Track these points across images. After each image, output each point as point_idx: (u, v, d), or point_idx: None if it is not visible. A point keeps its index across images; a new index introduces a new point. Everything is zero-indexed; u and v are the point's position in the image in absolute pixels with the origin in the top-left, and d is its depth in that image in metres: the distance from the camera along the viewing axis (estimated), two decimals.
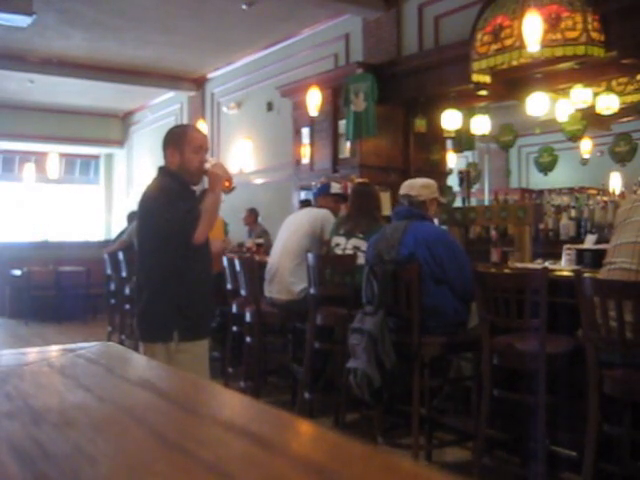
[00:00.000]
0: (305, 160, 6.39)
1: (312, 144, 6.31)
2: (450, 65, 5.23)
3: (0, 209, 12.01)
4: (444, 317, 3.26)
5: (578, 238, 5.40)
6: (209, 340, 2.88)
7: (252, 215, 7.08)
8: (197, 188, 2.89)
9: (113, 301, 6.88)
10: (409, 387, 3.21)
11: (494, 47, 4.53)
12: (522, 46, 4.21)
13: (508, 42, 4.43)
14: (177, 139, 2.80)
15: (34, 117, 11.04)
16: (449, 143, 6.51)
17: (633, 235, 2.56)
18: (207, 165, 2.79)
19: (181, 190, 2.75)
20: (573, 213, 6.20)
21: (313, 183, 5.99)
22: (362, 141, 5.70)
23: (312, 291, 3.87)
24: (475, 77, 4.84)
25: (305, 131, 6.39)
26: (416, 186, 3.45)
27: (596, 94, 5.32)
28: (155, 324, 2.71)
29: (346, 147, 5.92)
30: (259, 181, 7.78)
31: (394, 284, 3.36)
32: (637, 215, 2.61)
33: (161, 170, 2.84)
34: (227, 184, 2.81)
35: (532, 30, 4.03)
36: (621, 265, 2.56)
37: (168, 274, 2.69)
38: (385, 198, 5.42)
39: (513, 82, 5.19)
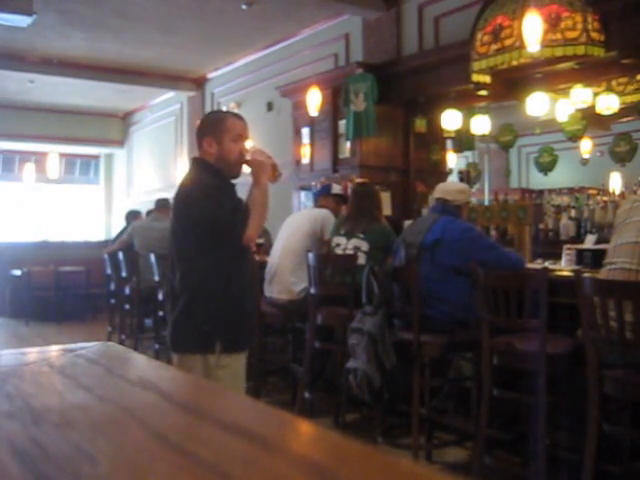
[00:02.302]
0: (305, 160, 6.39)
1: (312, 144, 6.31)
2: (450, 65, 5.22)
3: (0, 209, 12.02)
4: (452, 307, 3.27)
5: (578, 238, 5.41)
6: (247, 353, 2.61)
7: None
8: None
9: (113, 301, 6.88)
10: (409, 387, 3.21)
11: (494, 47, 4.53)
12: (522, 46, 4.20)
13: (508, 42, 4.42)
14: (215, 127, 2.52)
15: (34, 117, 11.03)
16: (449, 143, 6.50)
17: (633, 235, 2.56)
18: (251, 150, 2.53)
19: (221, 185, 2.49)
20: (573, 213, 6.21)
21: (313, 183, 5.99)
22: (362, 141, 5.70)
23: (312, 291, 3.87)
24: (475, 77, 4.84)
25: (305, 131, 6.39)
26: (452, 191, 3.53)
27: (596, 94, 5.32)
28: (194, 333, 2.42)
29: (346, 147, 5.92)
30: None
31: (394, 283, 3.38)
32: (637, 215, 2.61)
33: (196, 162, 2.58)
34: (273, 171, 2.57)
35: (532, 30, 4.02)
36: (622, 265, 2.56)
37: (212, 278, 2.42)
38: (385, 198, 5.42)
39: (513, 82, 5.19)
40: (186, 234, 2.48)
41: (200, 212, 2.42)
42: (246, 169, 2.58)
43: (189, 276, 2.46)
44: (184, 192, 2.53)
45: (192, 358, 2.42)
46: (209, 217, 2.40)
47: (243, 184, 2.63)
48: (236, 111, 8.57)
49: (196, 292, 2.44)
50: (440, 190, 3.58)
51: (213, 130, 2.51)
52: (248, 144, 2.65)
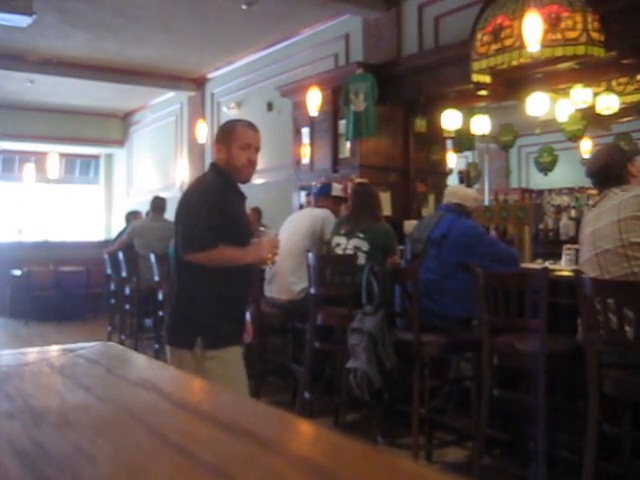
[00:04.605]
0: (305, 160, 6.39)
1: (312, 144, 6.31)
2: (450, 65, 5.22)
3: (0, 209, 12.01)
4: (456, 301, 3.28)
5: (578, 238, 5.40)
6: (242, 347, 2.70)
7: (255, 214, 7.07)
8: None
9: (113, 301, 6.88)
10: (409, 387, 3.21)
11: (494, 47, 4.53)
12: (522, 46, 4.20)
13: (508, 42, 4.42)
14: (225, 134, 2.68)
15: (34, 117, 11.03)
16: (449, 143, 6.50)
17: (591, 249, 2.72)
18: (267, 234, 2.72)
19: (224, 192, 2.60)
20: (573, 213, 6.22)
21: (313, 183, 5.99)
22: (362, 141, 5.70)
23: (312, 291, 3.87)
24: (475, 77, 4.84)
25: (305, 131, 6.39)
26: (469, 198, 3.63)
27: (596, 94, 5.32)
28: (180, 328, 2.60)
29: (346, 147, 5.92)
30: (259, 181, 7.78)
31: (394, 283, 3.38)
32: (586, 229, 2.81)
33: (210, 166, 2.74)
34: (262, 262, 2.75)
35: (532, 30, 4.02)
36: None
37: (198, 278, 2.55)
38: (385, 198, 5.42)
39: (513, 82, 5.19)
40: (178, 233, 2.62)
41: (187, 215, 2.58)
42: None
43: (182, 274, 2.61)
44: (186, 193, 2.69)
45: (181, 351, 2.55)
46: (190, 219, 2.55)
47: (248, 186, 2.72)
48: (236, 111, 8.59)
49: (184, 291, 2.60)
50: (458, 195, 3.63)
51: (224, 137, 2.67)
52: (274, 233, 2.84)
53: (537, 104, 5.16)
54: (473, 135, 6.27)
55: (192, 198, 2.61)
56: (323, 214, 4.38)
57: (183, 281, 2.60)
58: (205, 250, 2.49)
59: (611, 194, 2.73)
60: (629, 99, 5.74)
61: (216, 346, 2.53)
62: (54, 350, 1.10)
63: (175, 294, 2.64)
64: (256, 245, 2.69)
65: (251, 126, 2.69)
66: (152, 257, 5.56)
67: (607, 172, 2.79)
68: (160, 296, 5.49)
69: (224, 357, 2.55)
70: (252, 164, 2.64)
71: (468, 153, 7.84)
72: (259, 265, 2.81)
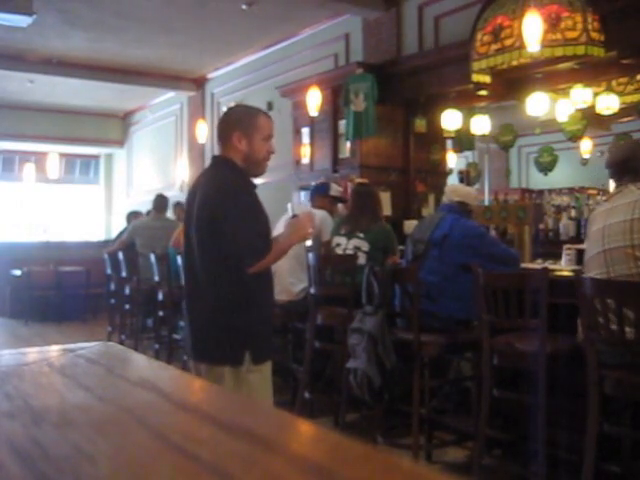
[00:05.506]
0: (305, 160, 6.39)
1: (312, 144, 6.31)
2: (450, 65, 5.22)
3: (0, 209, 12.01)
4: (456, 303, 3.29)
5: (578, 238, 5.41)
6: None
7: None
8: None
9: (113, 301, 6.88)
10: (409, 387, 3.21)
11: (494, 47, 4.53)
12: (522, 46, 4.21)
13: (508, 42, 4.42)
14: (246, 123, 2.38)
15: (34, 117, 11.04)
16: (449, 143, 6.50)
17: (599, 245, 2.66)
18: (297, 211, 2.53)
19: (249, 190, 2.41)
20: (573, 213, 6.22)
21: (313, 183, 5.99)
22: (362, 141, 5.70)
23: (312, 291, 3.87)
24: (475, 77, 4.84)
25: (305, 131, 6.39)
26: (471, 196, 3.63)
27: (596, 94, 5.32)
28: (224, 344, 2.32)
29: (346, 147, 5.92)
30: (259, 181, 7.77)
31: (394, 283, 3.38)
32: (595, 224, 2.74)
33: (221, 160, 2.43)
34: (304, 237, 2.56)
35: (532, 30, 4.02)
36: (594, 276, 2.62)
37: (237, 286, 2.31)
38: (385, 198, 5.42)
39: (513, 82, 5.19)
40: (208, 240, 2.33)
41: (228, 224, 2.27)
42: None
43: (213, 283, 2.34)
44: (209, 199, 2.34)
45: (222, 368, 2.32)
46: (236, 230, 2.27)
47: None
48: None
49: (222, 301, 2.33)
50: (460, 194, 3.61)
51: (244, 126, 2.39)
52: (305, 206, 2.70)
53: (537, 104, 5.16)
54: (473, 135, 6.27)
55: (224, 205, 2.30)
56: (320, 216, 4.38)
57: (223, 293, 2.32)
58: (265, 256, 2.32)
59: (627, 191, 2.65)
60: (629, 99, 5.74)
61: (262, 360, 2.37)
62: (54, 350, 1.10)
63: (211, 307, 2.33)
64: (295, 224, 2.47)
65: (269, 115, 2.51)
66: (152, 257, 5.55)
67: (626, 165, 2.71)
68: (160, 296, 5.49)
69: (264, 371, 2.39)
70: (269, 156, 2.46)
71: (468, 153, 7.84)
72: (301, 242, 2.60)
